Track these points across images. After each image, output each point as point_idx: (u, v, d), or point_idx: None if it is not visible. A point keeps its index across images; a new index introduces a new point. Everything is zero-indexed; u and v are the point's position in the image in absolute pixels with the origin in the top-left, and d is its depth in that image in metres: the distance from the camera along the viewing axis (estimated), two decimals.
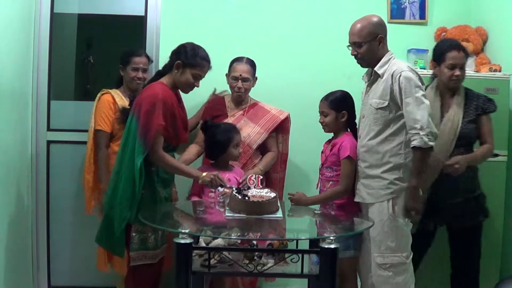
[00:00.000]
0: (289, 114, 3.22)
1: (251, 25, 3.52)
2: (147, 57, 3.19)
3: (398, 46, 3.25)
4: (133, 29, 3.53)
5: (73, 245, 3.48)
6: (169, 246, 2.71)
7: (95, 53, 3.58)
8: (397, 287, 2.58)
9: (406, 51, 3.51)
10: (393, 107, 2.56)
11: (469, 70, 3.16)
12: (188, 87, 2.68)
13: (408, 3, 3.58)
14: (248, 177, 2.62)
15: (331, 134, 2.87)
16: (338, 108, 2.79)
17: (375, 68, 2.62)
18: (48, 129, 3.43)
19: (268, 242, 2.42)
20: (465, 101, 2.83)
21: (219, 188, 2.68)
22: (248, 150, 3.08)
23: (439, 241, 2.95)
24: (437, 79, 2.89)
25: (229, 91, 3.20)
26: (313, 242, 2.46)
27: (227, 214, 2.44)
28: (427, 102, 2.50)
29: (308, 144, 3.23)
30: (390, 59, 2.63)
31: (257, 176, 2.60)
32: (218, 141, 2.89)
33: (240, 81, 3.08)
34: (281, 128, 3.22)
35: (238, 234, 2.27)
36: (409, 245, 2.61)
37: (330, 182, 2.77)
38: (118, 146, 2.99)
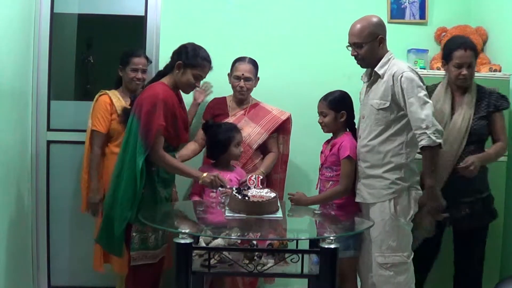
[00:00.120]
0: (290, 115, 3.22)
1: (251, 25, 3.52)
2: (146, 57, 3.19)
3: (398, 46, 3.26)
4: (133, 29, 3.53)
5: (73, 245, 3.48)
6: (169, 245, 2.71)
7: (95, 53, 3.58)
8: (398, 286, 2.58)
9: (406, 51, 3.51)
10: (395, 107, 2.56)
11: None
12: (189, 87, 2.68)
13: (408, 3, 3.58)
14: (248, 177, 2.63)
15: (331, 134, 2.87)
16: (337, 108, 2.79)
17: (376, 69, 2.62)
18: (48, 129, 3.43)
19: (268, 242, 2.42)
20: (476, 98, 2.79)
21: (220, 188, 2.68)
22: (248, 150, 3.08)
23: (443, 241, 2.94)
24: (447, 76, 2.87)
25: (213, 85, 3.19)
26: (313, 242, 2.46)
27: (227, 214, 2.44)
28: (429, 101, 2.50)
29: (308, 144, 3.23)
30: (390, 59, 2.63)
31: (257, 176, 2.61)
32: (219, 141, 2.89)
33: (242, 80, 3.09)
34: (282, 129, 3.23)
35: (238, 234, 2.27)
36: (410, 244, 2.61)
37: (330, 182, 2.77)
38: (116, 147, 3.03)
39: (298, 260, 2.27)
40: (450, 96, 2.82)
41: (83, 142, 3.19)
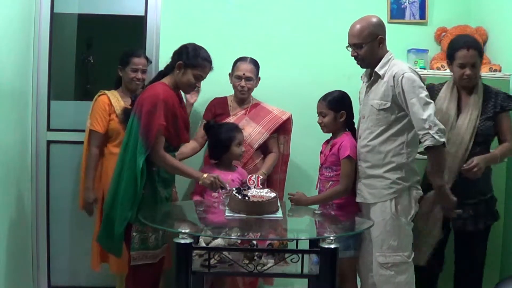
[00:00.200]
0: (291, 115, 3.23)
1: (251, 25, 3.52)
2: (146, 58, 3.20)
3: (398, 46, 3.26)
4: (133, 29, 3.53)
5: (73, 245, 3.48)
6: (169, 245, 2.71)
7: (95, 53, 3.58)
8: (399, 286, 2.58)
9: (406, 51, 3.51)
10: (395, 108, 2.56)
11: None
12: (189, 88, 2.69)
13: (408, 3, 3.58)
14: (248, 177, 2.63)
15: (330, 134, 2.87)
16: (337, 108, 2.79)
17: (376, 69, 2.62)
18: (48, 129, 3.43)
19: (268, 242, 2.42)
20: (483, 99, 2.75)
21: (220, 190, 2.68)
22: (249, 150, 3.08)
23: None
24: (453, 76, 2.83)
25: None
26: (313, 242, 2.46)
27: (227, 214, 2.44)
28: (431, 101, 2.50)
29: (308, 144, 3.22)
30: (389, 59, 2.63)
31: (257, 176, 2.61)
32: (221, 140, 2.90)
33: (243, 80, 3.10)
34: (283, 129, 3.23)
35: (238, 234, 2.27)
36: (410, 244, 2.61)
37: (330, 182, 2.77)
38: (114, 147, 3.04)
39: (298, 260, 2.27)
40: (456, 96, 2.77)
41: (83, 142, 3.19)
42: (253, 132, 3.11)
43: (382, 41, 2.62)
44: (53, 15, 3.39)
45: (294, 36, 3.54)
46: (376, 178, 2.61)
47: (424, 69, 3.36)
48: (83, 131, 3.20)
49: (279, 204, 2.51)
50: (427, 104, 2.47)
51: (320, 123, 2.84)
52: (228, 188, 2.65)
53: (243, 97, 3.18)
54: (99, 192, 3.09)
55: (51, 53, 3.40)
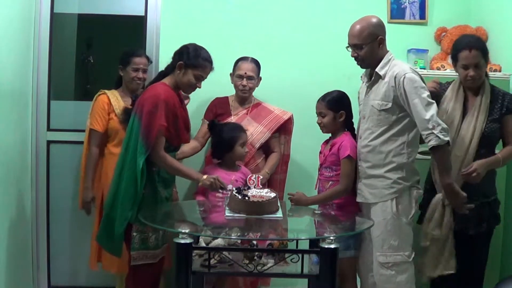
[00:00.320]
0: (292, 115, 3.24)
1: (251, 25, 3.52)
2: (147, 57, 3.20)
3: (398, 46, 3.26)
4: (133, 29, 3.53)
5: (73, 245, 3.47)
6: (169, 245, 2.71)
7: (95, 53, 3.58)
8: (399, 286, 2.58)
9: (406, 51, 3.51)
10: (396, 108, 2.56)
11: None
12: (190, 88, 2.68)
13: (408, 3, 3.58)
14: (248, 177, 2.63)
15: (330, 135, 2.87)
16: (336, 108, 2.79)
17: (376, 69, 2.62)
18: (48, 129, 3.43)
19: (268, 242, 2.42)
20: (490, 100, 2.67)
21: (220, 190, 2.68)
22: (251, 149, 3.09)
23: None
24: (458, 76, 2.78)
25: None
26: (313, 242, 2.46)
27: (227, 214, 2.44)
28: (433, 101, 2.50)
29: (308, 144, 3.22)
30: (390, 59, 2.63)
31: (257, 176, 2.61)
32: (225, 140, 2.91)
33: (245, 79, 3.11)
34: (284, 128, 3.24)
35: (238, 234, 2.27)
36: (411, 244, 2.62)
37: (330, 182, 2.77)
38: (114, 146, 3.05)
39: (298, 260, 2.27)
40: (462, 96, 2.71)
41: (83, 142, 3.20)
42: (255, 131, 3.12)
43: (382, 41, 2.62)
44: (53, 15, 3.39)
45: (294, 36, 3.54)
46: (377, 178, 2.61)
47: (424, 69, 3.36)
48: (83, 131, 3.20)
49: (279, 204, 2.51)
50: (429, 104, 2.47)
51: (319, 124, 2.84)
52: (228, 188, 2.65)
53: (244, 97, 3.18)
54: (98, 191, 3.10)
55: (51, 53, 3.40)
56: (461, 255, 2.79)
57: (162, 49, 3.38)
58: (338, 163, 2.73)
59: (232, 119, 3.14)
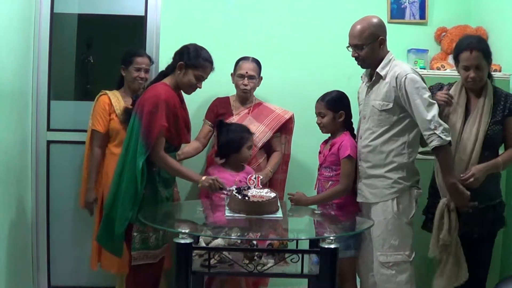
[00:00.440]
0: (293, 114, 3.24)
1: (251, 25, 3.52)
2: (149, 57, 3.21)
3: (398, 46, 3.26)
4: (133, 29, 3.53)
5: (73, 245, 3.47)
6: (170, 245, 2.71)
7: (95, 53, 3.58)
8: (400, 285, 2.58)
9: (406, 51, 3.51)
10: (397, 109, 2.56)
11: None
12: (190, 88, 2.69)
13: (408, 3, 3.58)
14: (248, 177, 2.63)
15: (330, 135, 2.87)
16: (335, 108, 2.79)
17: (377, 70, 2.62)
18: (48, 129, 3.43)
19: (268, 242, 2.42)
20: (493, 101, 2.61)
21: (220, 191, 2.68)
22: (253, 149, 3.09)
23: None
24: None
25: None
26: (313, 242, 2.46)
27: (227, 214, 2.44)
28: (434, 102, 2.50)
29: (308, 144, 3.22)
30: (391, 60, 2.63)
31: (257, 176, 2.61)
32: (233, 140, 2.91)
33: (246, 78, 3.12)
34: (285, 128, 3.25)
35: (238, 234, 2.27)
36: (411, 243, 2.62)
37: (330, 182, 2.77)
38: (114, 147, 3.05)
39: (298, 260, 2.27)
40: (464, 98, 2.67)
41: (83, 142, 3.20)
42: (257, 131, 3.12)
43: (383, 42, 2.61)
44: (53, 15, 3.39)
45: (294, 36, 3.54)
46: (378, 177, 2.61)
47: (424, 69, 3.36)
48: (83, 131, 3.20)
49: (279, 204, 2.51)
50: (430, 105, 2.47)
51: (319, 124, 2.84)
52: (228, 189, 2.65)
53: (245, 96, 3.19)
54: (98, 192, 3.10)
55: (51, 53, 3.40)
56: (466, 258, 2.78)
57: (162, 49, 3.38)
58: (338, 163, 2.73)
59: (234, 118, 3.14)
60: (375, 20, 2.63)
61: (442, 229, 2.56)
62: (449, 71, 3.24)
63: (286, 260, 2.30)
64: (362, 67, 2.71)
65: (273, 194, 2.48)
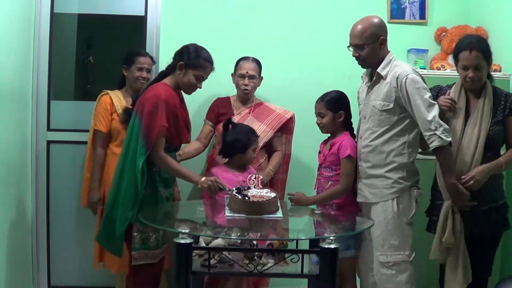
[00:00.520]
0: (293, 114, 3.25)
1: (251, 25, 3.52)
2: (151, 57, 3.21)
3: (398, 46, 3.26)
4: (133, 29, 3.53)
5: (73, 245, 3.47)
6: (170, 245, 2.71)
7: (95, 53, 3.58)
8: (400, 285, 2.59)
9: (406, 51, 3.51)
10: (398, 109, 2.56)
11: None
12: (190, 88, 2.69)
13: (408, 3, 3.58)
14: (248, 177, 2.63)
15: (329, 135, 2.87)
16: (335, 108, 2.79)
17: (378, 70, 2.62)
18: (48, 129, 3.43)
19: (268, 242, 2.42)
20: (493, 102, 2.59)
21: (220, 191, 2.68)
22: None
23: None
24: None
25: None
26: (313, 242, 2.46)
27: (227, 214, 2.44)
28: (435, 102, 2.50)
29: (309, 144, 3.22)
30: (391, 60, 2.63)
31: (257, 176, 2.61)
32: (240, 140, 2.91)
33: (246, 78, 3.12)
34: (286, 128, 3.25)
35: (238, 234, 2.27)
36: (411, 243, 2.62)
37: (330, 182, 2.77)
38: (116, 146, 3.05)
39: (298, 260, 2.27)
40: (464, 99, 2.65)
41: (83, 142, 3.21)
42: (258, 130, 3.11)
43: (384, 42, 2.61)
44: (53, 15, 3.39)
45: (294, 36, 3.54)
46: (378, 177, 2.62)
47: (424, 69, 3.36)
48: (83, 131, 3.20)
49: (279, 204, 2.51)
50: (431, 105, 2.47)
51: (318, 124, 2.84)
52: (228, 189, 2.65)
53: (246, 96, 3.20)
54: (101, 191, 3.10)
55: (51, 53, 3.40)
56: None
57: (162, 49, 3.38)
58: (338, 163, 2.73)
59: (235, 118, 3.14)
60: (376, 20, 2.63)
61: (453, 234, 2.55)
62: (449, 71, 3.24)
63: (286, 260, 2.30)
64: (363, 67, 2.71)
65: (273, 194, 2.48)
